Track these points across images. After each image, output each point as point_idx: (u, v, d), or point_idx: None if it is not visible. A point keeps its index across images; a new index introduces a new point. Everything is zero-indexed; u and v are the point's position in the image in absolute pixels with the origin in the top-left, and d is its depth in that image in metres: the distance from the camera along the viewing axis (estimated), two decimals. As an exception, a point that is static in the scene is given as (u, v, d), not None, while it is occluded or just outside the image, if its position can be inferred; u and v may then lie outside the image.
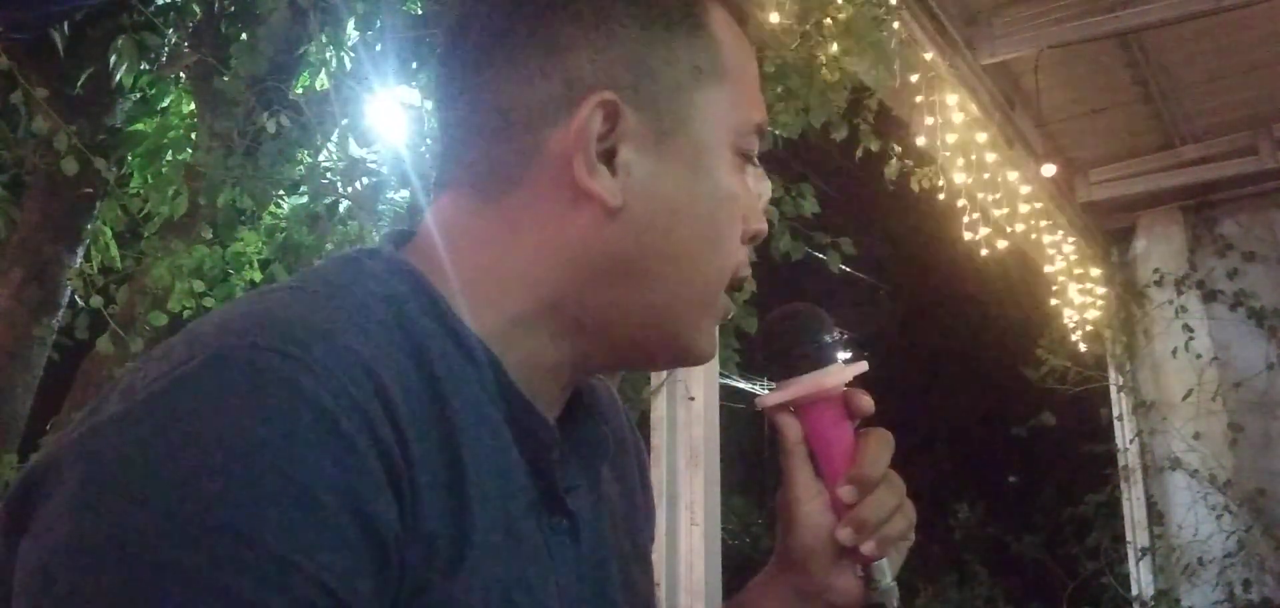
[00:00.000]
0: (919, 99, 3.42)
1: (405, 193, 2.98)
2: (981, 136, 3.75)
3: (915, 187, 3.41)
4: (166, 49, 3.70)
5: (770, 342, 0.76)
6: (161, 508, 0.46)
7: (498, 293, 0.63)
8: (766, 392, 0.76)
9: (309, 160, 2.98)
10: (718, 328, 0.76)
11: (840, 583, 0.74)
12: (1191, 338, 4.63)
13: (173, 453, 0.47)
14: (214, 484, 0.46)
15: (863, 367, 0.75)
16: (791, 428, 0.74)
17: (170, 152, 3.88)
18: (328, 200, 2.88)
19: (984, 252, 4.03)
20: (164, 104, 4.02)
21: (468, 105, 0.65)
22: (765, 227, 0.71)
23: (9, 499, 0.51)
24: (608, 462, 0.72)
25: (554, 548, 0.63)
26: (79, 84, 3.61)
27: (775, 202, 2.44)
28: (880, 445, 0.73)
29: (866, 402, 0.74)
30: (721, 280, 0.67)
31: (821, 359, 0.74)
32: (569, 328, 0.65)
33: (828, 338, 0.75)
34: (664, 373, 2.04)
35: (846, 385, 0.74)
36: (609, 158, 0.63)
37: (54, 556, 0.47)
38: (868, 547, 0.72)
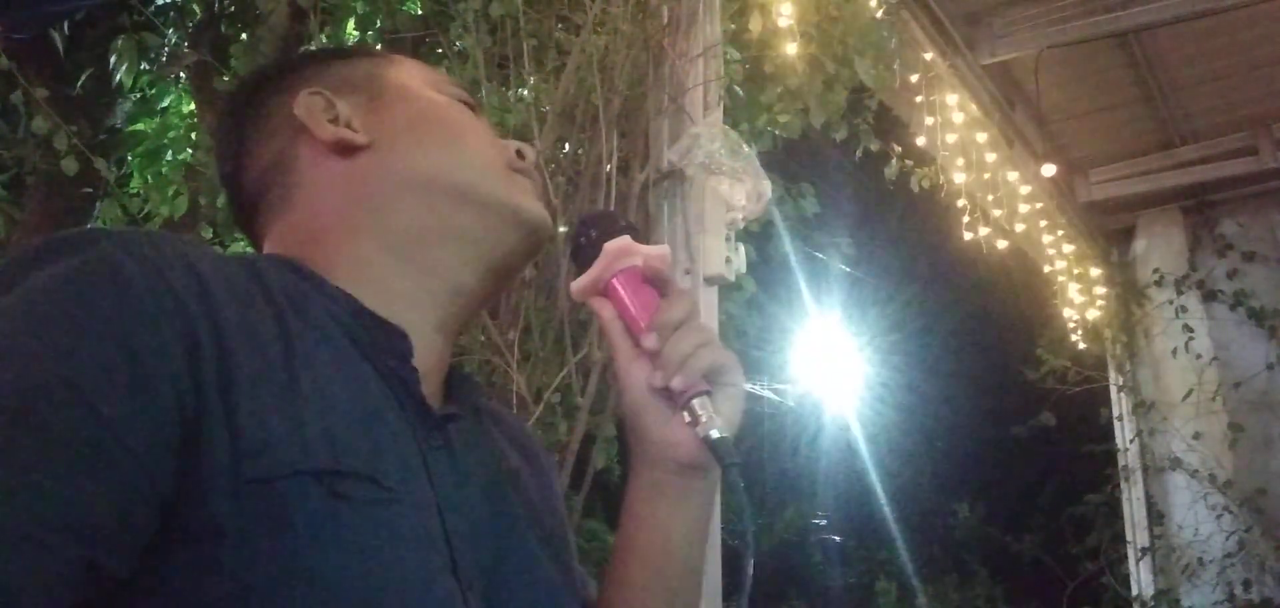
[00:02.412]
0: (919, 99, 3.42)
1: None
2: (981, 136, 3.75)
3: (915, 187, 3.41)
4: (166, 49, 3.70)
5: (571, 245, 0.86)
6: None
7: (333, 257, 0.76)
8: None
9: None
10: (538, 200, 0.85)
11: (675, 435, 0.79)
12: (1191, 338, 4.63)
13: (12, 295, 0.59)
14: (20, 318, 0.57)
15: (663, 248, 0.83)
16: (604, 307, 0.82)
17: (170, 151, 3.88)
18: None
19: (984, 251, 4.03)
20: (164, 104, 4.02)
21: (246, 186, 0.84)
22: (523, 146, 0.86)
23: None
24: (518, 449, 0.84)
25: (429, 461, 0.69)
26: (79, 84, 3.61)
27: (775, 202, 2.44)
28: (676, 299, 0.81)
29: (662, 268, 0.82)
30: (488, 154, 0.82)
31: (608, 237, 0.82)
32: (402, 250, 0.77)
33: (614, 223, 0.83)
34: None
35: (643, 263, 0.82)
36: (343, 126, 0.80)
37: None
38: (677, 381, 0.77)
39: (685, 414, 0.77)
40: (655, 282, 0.81)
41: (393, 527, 0.63)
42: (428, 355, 0.75)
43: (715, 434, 0.76)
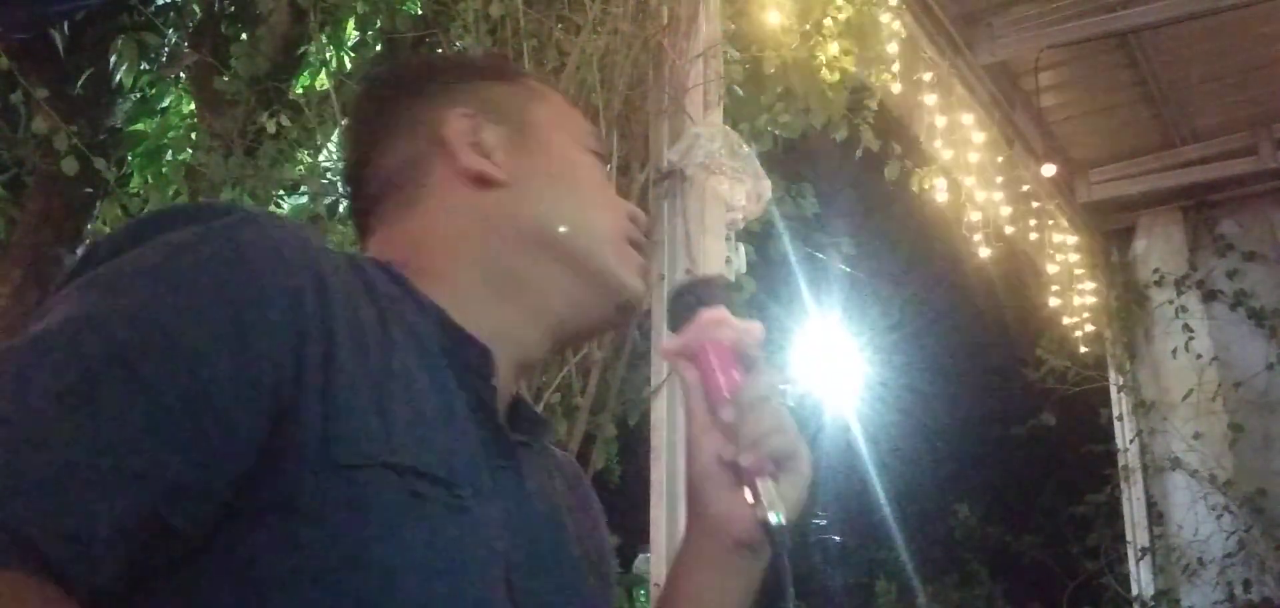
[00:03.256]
0: (919, 99, 3.42)
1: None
2: (981, 137, 3.75)
3: (915, 187, 3.41)
4: (166, 49, 3.70)
5: (671, 304, 0.87)
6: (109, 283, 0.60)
7: (437, 275, 0.77)
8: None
9: (309, 160, 2.98)
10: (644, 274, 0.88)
11: (734, 510, 0.80)
12: (1191, 338, 4.63)
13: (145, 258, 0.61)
14: (144, 270, 0.60)
15: (756, 325, 0.83)
16: (689, 371, 0.83)
17: (170, 152, 3.88)
18: (328, 200, 2.88)
19: (984, 252, 4.03)
20: (164, 104, 4.02)
21: (369, 179, 0.84)
22: (637, 212, 0.88)
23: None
24: (564, 481, 0.85)
25: (498, 480, 0.71)
26: (79, 84, 3.61)
27: (775, 202, 2.43)
28: (760, 378, 0.81)
29: (753, 343, 0.82)
30: (611, 222, 0.84)
31: (705, 304, 0.84)
32: (502, 289, 0.79)
33: (715, 289, 0.85)
34: (665, 372, 2.04)
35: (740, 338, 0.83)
36: (484, 156, 0.81)
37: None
38: (747, 458, 0.78)
39: (748, 492, 0.79)
40: (743, 358, 0.82)
41: (460, 536, 0.64)
42: (503, 385, 0.77)
43: (774, 519, 0.77)
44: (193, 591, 0.56)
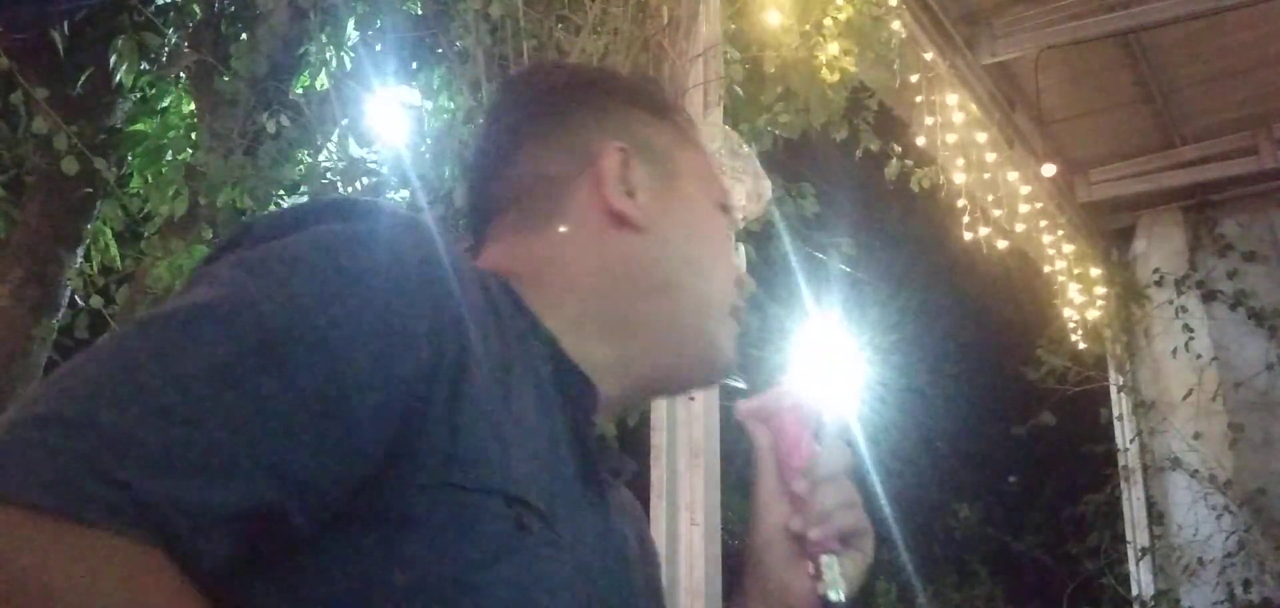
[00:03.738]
0: (919, 99, 3.42)
1: (405, 193, 2.98)
2: (981, 136, 3.75)
3: (915, 187, 3.41)
4: (166, 49, 3.70)
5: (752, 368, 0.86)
6: (282, 283, 0.59)
7: (555, 301, 0.77)
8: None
9: (309, 160, 2.98)
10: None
11: (795, 582, 0.81)
12: (1191, 338, 4.63)
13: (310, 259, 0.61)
14: (300, 259, 0.60)
15: (838, 395, 0.84)
16: (762, 434, 0.85)
17: (170, 152, 3.88)
18: (328, 201, 2.88)
19: (984, 251, 4.02)
20: (164, 104, 4.02)
21: (506, 180, 0.83)
22: (746, 278, 0.88)
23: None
24: (633, 521, 0.84)
25: (585, 511, 0.70)
26: (79, 84, 3.61)
27: (775, 201, 2.43)
28: (836, 453, 0.83)
29: (831, 418, 0.85)
30: (729, 292, 0.84)
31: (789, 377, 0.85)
32: (614, 331, 0.78)
33: (801, 363, 0.87)
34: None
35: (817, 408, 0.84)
36: (629, 194, 0.80)
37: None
38: (814, 533, 0.79)
39: (811, 565, 0.79)
40: (819, 430, 0.84)
41: (555, 572, 0.64)
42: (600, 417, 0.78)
43: (835, 597, 0.78)
44: (293, 588, 0.56)
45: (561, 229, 0.79)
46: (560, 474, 0.68)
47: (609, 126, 0.82)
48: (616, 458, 0.81)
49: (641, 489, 2.06)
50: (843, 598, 0.78)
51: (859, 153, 2.90)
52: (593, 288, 0.78)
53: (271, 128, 2.91)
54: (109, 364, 0.54)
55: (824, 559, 0.78)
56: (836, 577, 0.78)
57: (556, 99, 0.85)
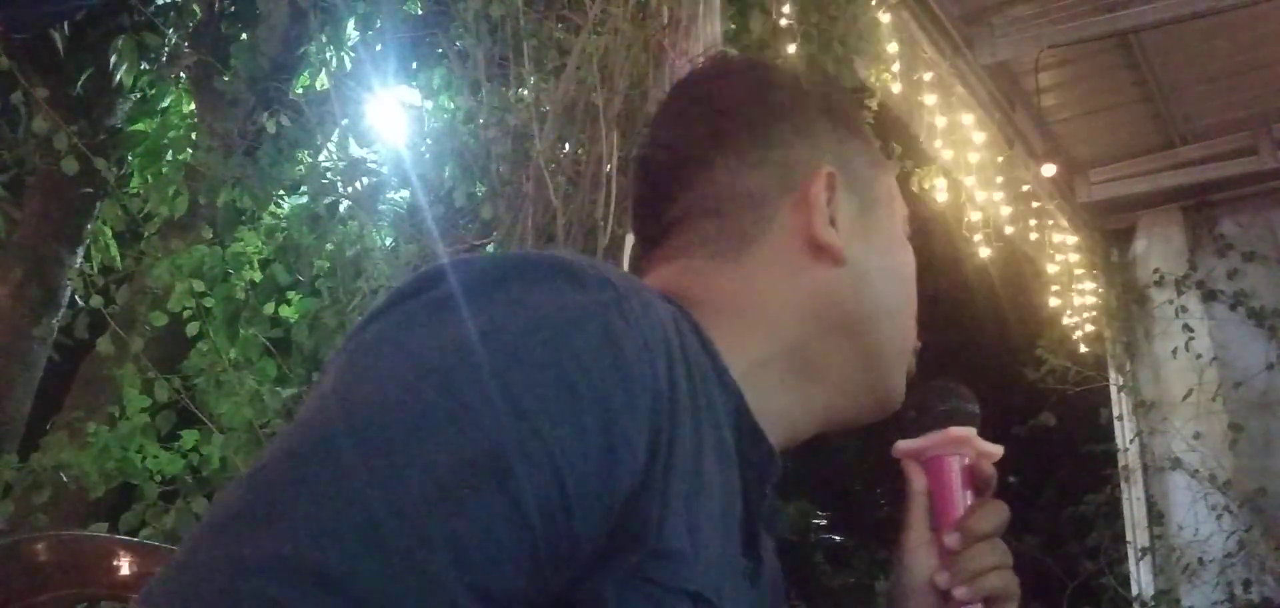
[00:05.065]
0: (919, 99, 3.42)
1: (405, 193, 2.98)
2: (981, 137, 3.75)
3: (915, 187, 3.41)
4: (166, 49, 3.70)
5: (916, 398, 0.83)
6: (476, 355, 0.53)
7: (743, 337, 0.71)
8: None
9: (309, 160, 2.99)
10: None
11: None
12: (1191, 338, 4.62)
13: (512, 327, 0.55)
14: (508, 348, 0.53)
15: (998, 450, 0.82)
16: (917, 476, 0.81)
17: (170, 152, 3.88)
18: (328, 200, 2.88)
19: (984, 252, 4.03)
20: (164, 104, 4.02)
21: (696, 190, 0.76)
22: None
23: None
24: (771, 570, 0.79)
25: (741, 585, 0.67)
26: (79, 84, 3.61)
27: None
28: (992, 510, 0.79)
29: (990, 472, 0.81)
30: (912, 333, 0.80)
31: (957, 421, 0.81)
32: (800, 372, 0.73)
33: (968, 407, 0.82)
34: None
35: (977, 456, 0.81)
36: (832, 224, 0.74)
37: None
38: (961, 592, 0.76)
39: None
40: (979, 483, 0.80)
41: None
42: None
43: None
44: None
45: (757, 255, 0.73)
46: (730, 551, 0.64)
47: (816, 144, 0.76)
48: (772, 511, 0.75)
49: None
50: None
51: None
52: (785, 325, 0.73)
53: (271, 128, 2.91)
54: (328, 489, 0.48)
55: None
56: None
57: (756, 107, 0.77)
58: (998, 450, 0.82)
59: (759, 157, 0.75)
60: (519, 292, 0.56)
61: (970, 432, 0.81)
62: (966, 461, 0.80)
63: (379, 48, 3.11)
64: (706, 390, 0.63)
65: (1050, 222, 4.54)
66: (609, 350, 0.55)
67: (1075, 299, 4.76)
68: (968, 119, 3.67)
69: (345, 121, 2.88)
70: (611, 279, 0.59)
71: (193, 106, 3.85)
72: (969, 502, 0.79)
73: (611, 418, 0.53)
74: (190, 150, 3.48)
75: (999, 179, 4.01)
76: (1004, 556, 0.78)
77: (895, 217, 0.80)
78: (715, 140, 0.76)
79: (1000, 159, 3.98)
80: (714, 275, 0.73)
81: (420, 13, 3.15)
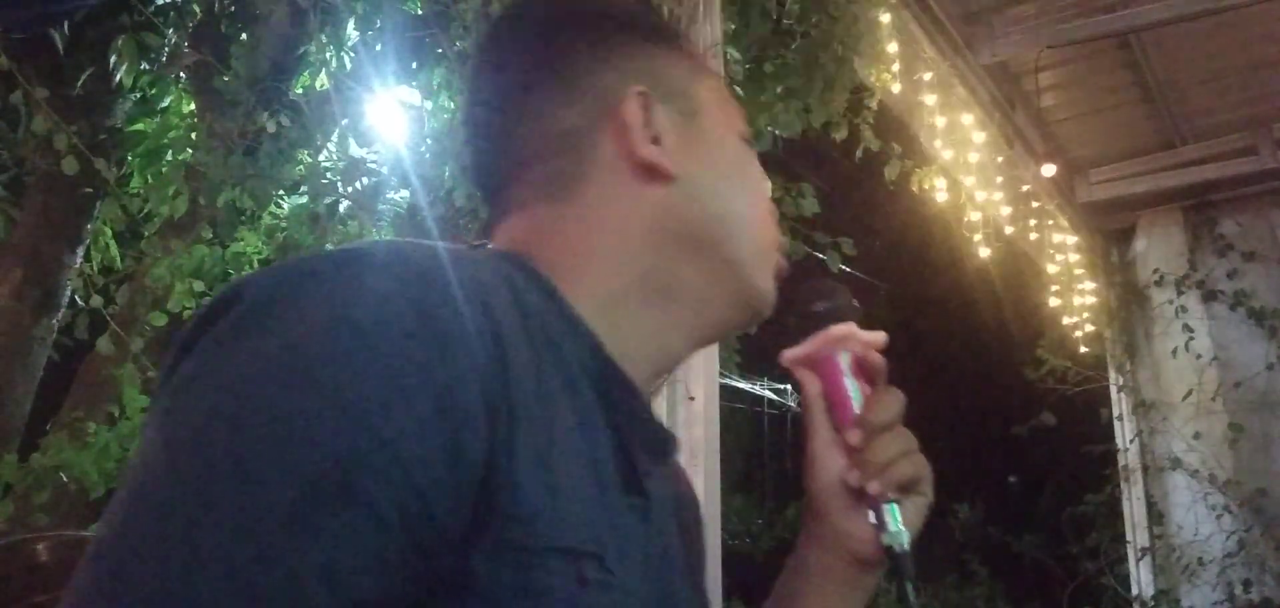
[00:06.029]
0: (919, 99, 3.42)
1: (405, 193, 2.98)
2: (981, 136, 3.75)
3: (915, 187, 3.41)
4: (166, 49, 3.70)
5: (794, 303, 0.82)
6: (276, 363, 0.52)
7: (590, 276, 0.70)
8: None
9: (309, 160, 2.98)
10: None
11: (856, 529, 0.78)
12: (1191, 338, 4.63)
13: (308, 327, 0.53)
14: (321, 357, 0.52)
15: (882, 337, 0.81)
16: (810, 381, 0.80)
17: (170, 152, 3.88)
18: (328, 200, 2.88)
19: (984, 252, 4.03)
20: (164, 104, 4.02)
21: (518, 139, 0.75)
22: (773, 205, 0.81)
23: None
24: (677, 500, 0.78)
25: (628, 524, 0.65)
26: (79, 84, 3.61)
27: (775, 201, 2.43)
28: (888, 398, 0.79)
29: (879, 361, 0.80)
30: (769, 230, 0.78)
31: (837, 318, 0.80)
32: (658, 297, 0.72)
33: (847, 303, 0.82)
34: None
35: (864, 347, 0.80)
36: (655, 142, 0.73)
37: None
38: (873, 486, 0.76)
39: (871, 515, 0.77)
40: (869, 373, 0.80)
41: None
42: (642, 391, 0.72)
43: (901, 547, 0.76)
44: None
45: (588, 192, 0.72)
46: (607, 498, 0.63)
47: (621, 66, 0.75)
48: (658, 437, 0.73)
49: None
50: (907, 546, 0.76)
51: (859, 153, 2.90)
52: (631, 256, 0.71)
53: (271, 128, 2.91)
54: (183, 551, 0.47)
55: (885, 508, 0.76)
56: (899, 525, 0.76)
57: (556, 40, 0.76)
58: (881, 338, 0.81)
59: (568, 93, 0.74)
60: (324, 294, 0.54)
61: (852, 327, 0.80)
62: (856, 353, 0.79)
63: (379, 48, 3.11)
64: (551, 341, 0.62)
65: (1050, 222, 4.54)
66: (427, 331, 0.53)
67: (1075, 299, 4.77)
68: (968, 119, 3.67)
69: (345, 121, 2.88)
70: (416, 257, 0.58)
71: (193, 106, 3.85)
72: (865, 395, 0.78)
73: (444, 398, 0.52)
74: (190, 150, 3.47)
75: (999, 179, 4.02)
76: (908, 442, 0.78)
77: (725, 120, 0.78)
78: (523, 87, 0.75)
79: (1000, 159, 3.98)
80: (552, 221, 0.72)
81: (420, 13, 3.14)
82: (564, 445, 0.60)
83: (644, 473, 0.67)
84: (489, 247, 0.74)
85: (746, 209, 0.76)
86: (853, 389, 0.79)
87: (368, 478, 0.49)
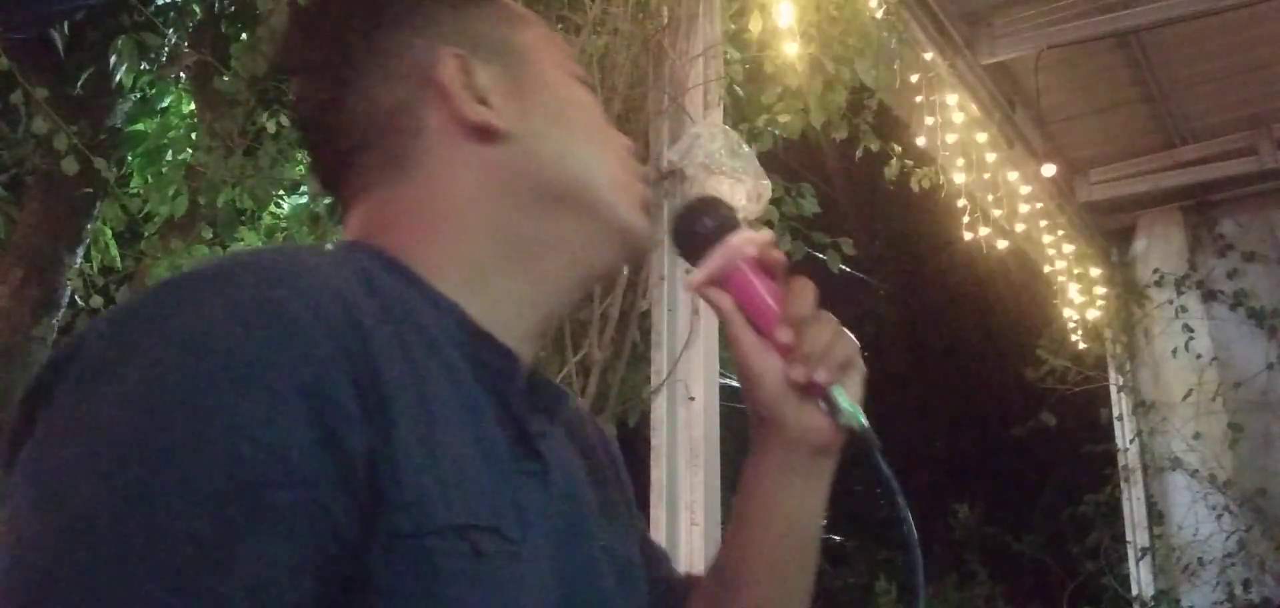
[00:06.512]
0: (919, 99, 3.42)
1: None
2: (981, 136, 3.75)
3: (915, 187, 3.41)
4: (166, 49, 3.70)
5: (679, 234, 0.82)
6: (142, 397, 0.51)
7: (445, 251, 0.69)
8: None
9: (309, 160, 2.98)
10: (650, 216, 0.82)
11: (811, 421, 0.78)
12: (1191, 338, 4.62)
13: (158, 350, 0.52)
14: (186, 378, 0.51)
15: (768, 234, 0.82)
16: (723, 299, 0.80)
17: (170, 151, 3.88)
18: (328, 200, 2.88)
19: (984, 251, 4.02)
20: (164, 104, 4.02)
21: (345, 128, 0.73)
22: (629, 142, 0.81)
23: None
24: (584, 443, 0.79)
25: (526, 491, 0.65)
26: (79, 84, 3.61)
27: (775, 201, 2.43)
28: (802, 287, 0.79)
29: (778, 256, 0.80)
30: (620, 164, 0.77)
31: (727, 229, 0.80)
32: (520, 256, 0.71)
33: (727, 212, 0.82)
34: (664, 373, 2.04)
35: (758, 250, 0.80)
36: (481, 102, 0.72)
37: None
38: (821, 374, 0.76)
39: (821, 403, 0.78)
40: (772, 270, 0.80)
41: (520, 584, 0.61)
42: (523, 364, 0.71)
43: (861, 424, 0.77)
44: None
45: (424, 167, 0.71)
46: (496, 467, 0.62)
47: (431, 32, 0.73)
48: (546, 396, 0.73)
49: (641, 490, 2.06)
50: (865, 421, 0.77)
51: (859, 153, 2.90)
52: (482, 221, 0.70)
53: (271, 128, 2.91)
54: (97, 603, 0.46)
55: (833, 394, 0.77)
56: (849, 404, 0.77)
57: (360, 25, 0.74)
58: (768, 235, 0.81)
59: (383, 71, 0.72)
60: (173, 321, 0.53)
61: (746, 232, 0.80)
62: (753, 256, 0.80)
63: None
64: (415, 323, 0.62)
65: (1050, 222, 4.54)
66: (283, 332, 0.53)
67: (1075, 299, 4.76)
68: (968, 119, 3.67)
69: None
70: (261, 262, 0.57)
71: (193, 107, 3.85)
72: (778, 295, 0.79)
73: (316, 398, 0.52)
74: (190, 150, 3.48)
75: (999, 179, 4.01)
76: (833, 323, 0.78)
77: (555, 63, 0.77)
78: (338, 76, 0.73)
79: (1000, 159, 3.98)
80: (396, 203, 0.71)
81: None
82: (445, 424, 0.59)
83: (537, 434, 0.67)
84: (338, 241, 0.73)
85: (591, 149, 0.75)
86: (765, 291, 0.79)
87: (270, 490, 0.49)
